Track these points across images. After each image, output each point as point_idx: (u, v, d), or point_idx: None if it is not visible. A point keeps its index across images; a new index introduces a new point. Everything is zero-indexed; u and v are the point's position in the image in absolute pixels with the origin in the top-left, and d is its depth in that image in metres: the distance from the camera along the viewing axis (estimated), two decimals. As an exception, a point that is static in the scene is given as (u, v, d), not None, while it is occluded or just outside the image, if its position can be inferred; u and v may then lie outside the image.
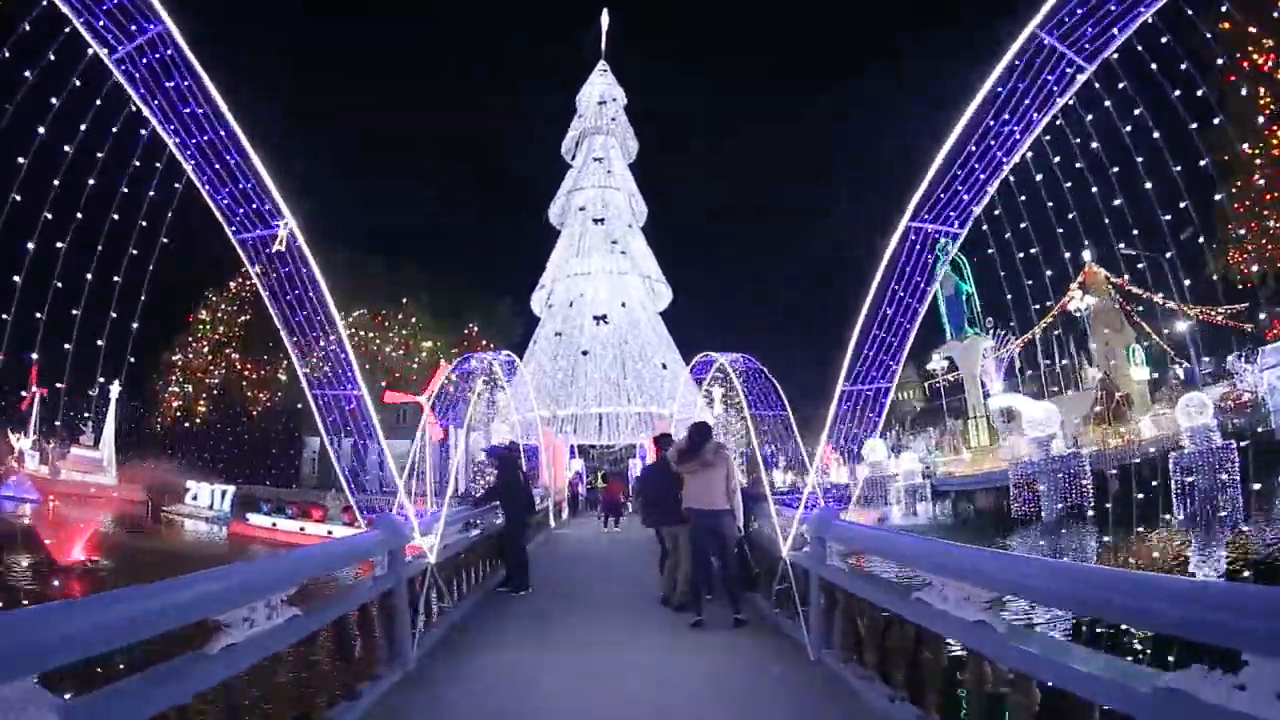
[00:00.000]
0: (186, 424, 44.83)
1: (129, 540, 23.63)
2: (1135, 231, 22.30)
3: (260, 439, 41.10)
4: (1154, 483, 18.93)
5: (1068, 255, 25.95)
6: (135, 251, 18.73)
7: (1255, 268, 28.22)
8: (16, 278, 17.92)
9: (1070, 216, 22.35)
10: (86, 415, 45.37)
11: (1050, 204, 21.36)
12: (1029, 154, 14.82)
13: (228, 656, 2.51)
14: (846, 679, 3.97)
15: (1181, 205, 20.22)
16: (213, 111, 13.13)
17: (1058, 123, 15.13)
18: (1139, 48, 13.78)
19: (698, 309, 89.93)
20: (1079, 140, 18.07)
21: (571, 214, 34.30)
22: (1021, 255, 23.94)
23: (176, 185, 15.52)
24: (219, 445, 41.54)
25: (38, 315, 20.08)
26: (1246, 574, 12.91)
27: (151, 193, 16.83)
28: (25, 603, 13.78)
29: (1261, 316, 28.49)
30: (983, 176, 13.23)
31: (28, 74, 15.27)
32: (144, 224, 18.23)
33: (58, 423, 43.96)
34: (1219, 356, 26.19)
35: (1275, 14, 22.42)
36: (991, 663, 2.70)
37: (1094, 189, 21.06)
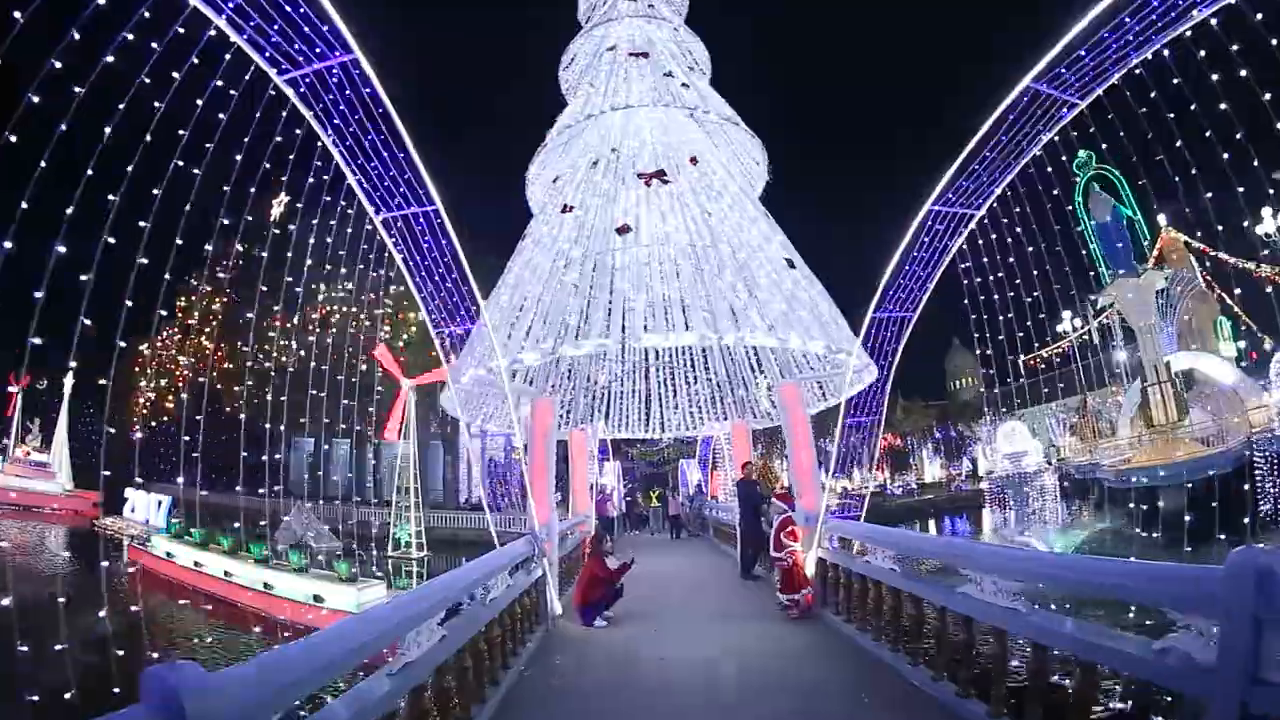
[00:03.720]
0: (153, 423, 40.73)
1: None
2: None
3: (235, 439, 38.72)
4: None
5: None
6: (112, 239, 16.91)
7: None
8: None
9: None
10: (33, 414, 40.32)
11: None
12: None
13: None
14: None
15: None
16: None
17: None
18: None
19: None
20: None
21: (597, 60, 20.79)
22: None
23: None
24: (192, 446, 39.31)
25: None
26: None
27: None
28: None
29: None
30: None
31: None
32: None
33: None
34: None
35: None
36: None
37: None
